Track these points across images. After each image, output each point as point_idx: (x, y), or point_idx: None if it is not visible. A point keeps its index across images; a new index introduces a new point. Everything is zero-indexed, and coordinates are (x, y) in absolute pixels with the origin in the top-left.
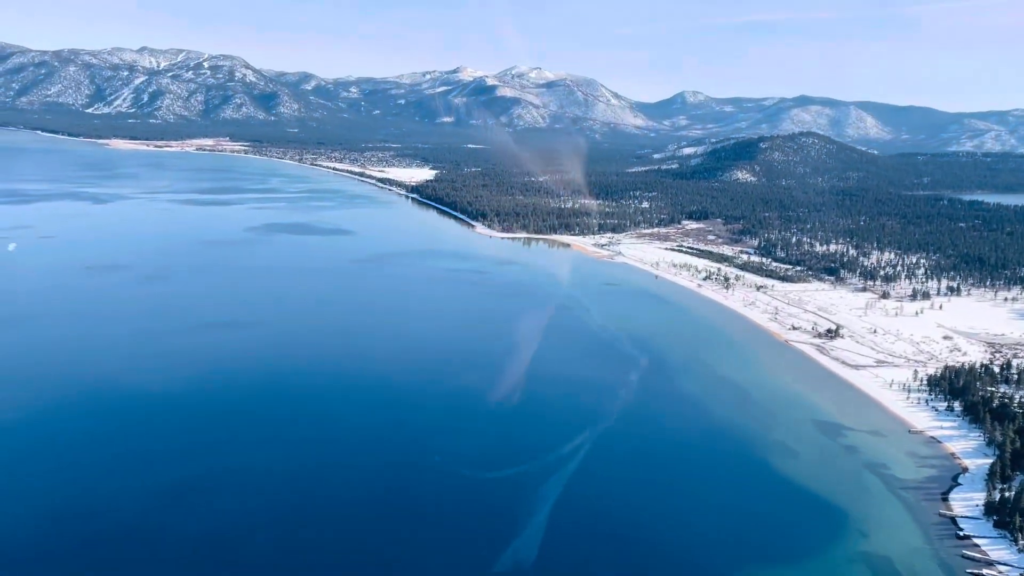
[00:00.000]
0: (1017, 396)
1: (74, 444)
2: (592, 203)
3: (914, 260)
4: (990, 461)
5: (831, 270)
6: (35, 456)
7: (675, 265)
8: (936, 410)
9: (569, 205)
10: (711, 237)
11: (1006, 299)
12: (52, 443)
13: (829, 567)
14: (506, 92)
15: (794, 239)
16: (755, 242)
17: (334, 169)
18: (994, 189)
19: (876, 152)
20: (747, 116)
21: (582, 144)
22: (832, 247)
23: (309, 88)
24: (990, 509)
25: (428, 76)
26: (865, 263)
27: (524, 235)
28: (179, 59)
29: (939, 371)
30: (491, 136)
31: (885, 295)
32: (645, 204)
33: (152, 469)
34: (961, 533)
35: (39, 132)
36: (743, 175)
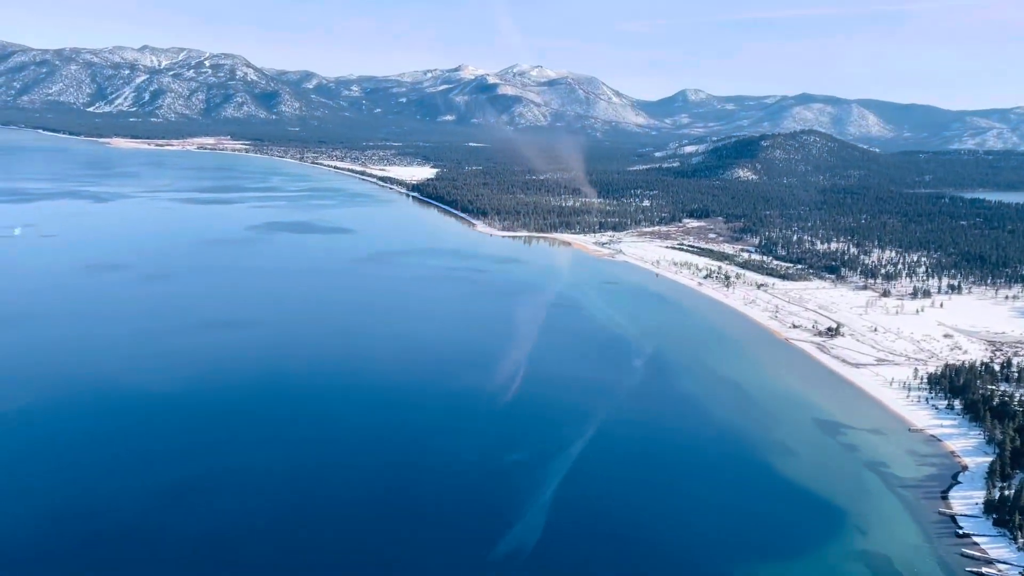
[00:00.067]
0: (1017, 394)
1: (74, 443)
2: (593, 201)
3: (915, 258)
4: (990, 459)
5: (832, 268)
6: (35, 455)
7: (676, 263)
8: (936, 408)
9: (570, 203)
10: (712, 235)
11: (1007, 297)
12: (52, 442)
13: (828, 565)
14: (507, 90)
15: (795, 237)
16: (756, 240)
17: (335, 168)
18: (996, 187)
19: (878, 150)
20: (749, 114)
21: (583, 142)
22: (833, 245)
23: (310, 87)
24: (990, 507)
25: (429, 74)
26: (866, 261)
27: (525, 233)
28: (180, 58)
29: (939, 369)
30: (492, 134)
31: (886, 293)
32: (646, 202)
33: (152, 469)
34: (961, 531)
35: (40, 131)
36: (744, 173)
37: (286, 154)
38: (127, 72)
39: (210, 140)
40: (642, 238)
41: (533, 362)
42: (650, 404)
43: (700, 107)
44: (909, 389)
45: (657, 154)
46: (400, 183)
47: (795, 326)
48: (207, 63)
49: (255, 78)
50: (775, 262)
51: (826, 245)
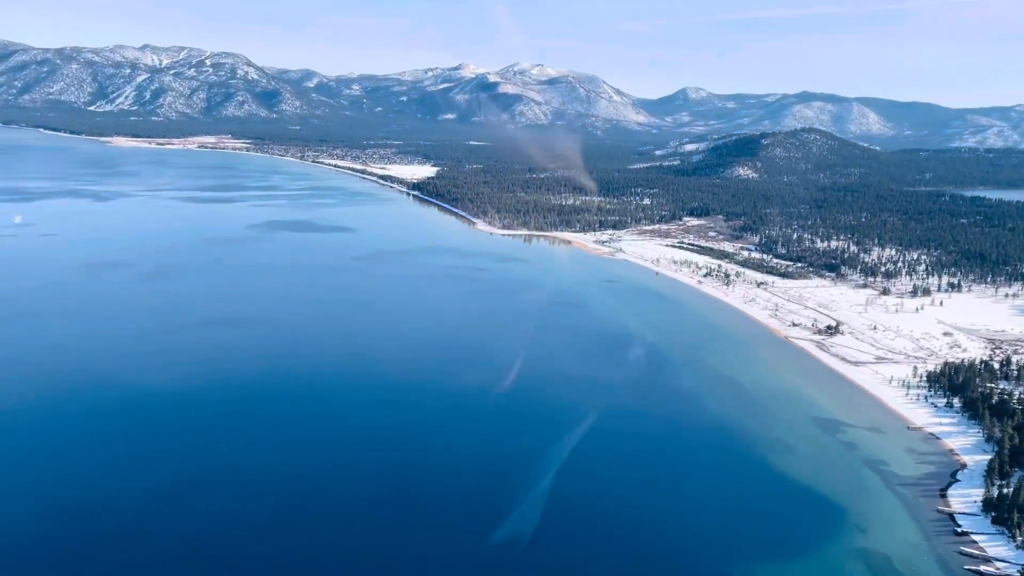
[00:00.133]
0: (1017, 392)
1: (73, 442)
2: (593, 200)
3: (915, 256)
4: (989, 457)
5: (832, 266)
6: (35, 454)
7: (676, 262)
8: (935, 406)
9: (570, 202)
10: (712, 234)
11: (1007, 295)
12: (52, 441)
13: (827, 563)
14: (508, 89)
15: (795, 235)
16: (756, 238)
17: (335, 166)
18: (996, 185)
19: (878, 148)
20: (749, 112)
21: (584, 141)
22: (833, 243)
23: (311, 85)
24: (988, 505)
25: (430, 73)
26: (866, 259)
27: (525, 232)
28: (181, 56)
29: (939, 367)
30: (493, 133)
31: (886, 291)
32: (646, 201)
33: (152, 467)
34: (959, 529)
35: (41, 130)
36: (745, 171)
37: (287, 153)
38: (128, 71)
39: (211, 139)
40: (642, 236)
41: (532, 360)
42: (649, 402)
43: (701, 105)
44: (908, 387)
45: (658, 152)
46: (400, 182)
47: (795, 324)
48: (208, 62)
49: (256, 77)
50: (775, 260)
51: (826, 243)
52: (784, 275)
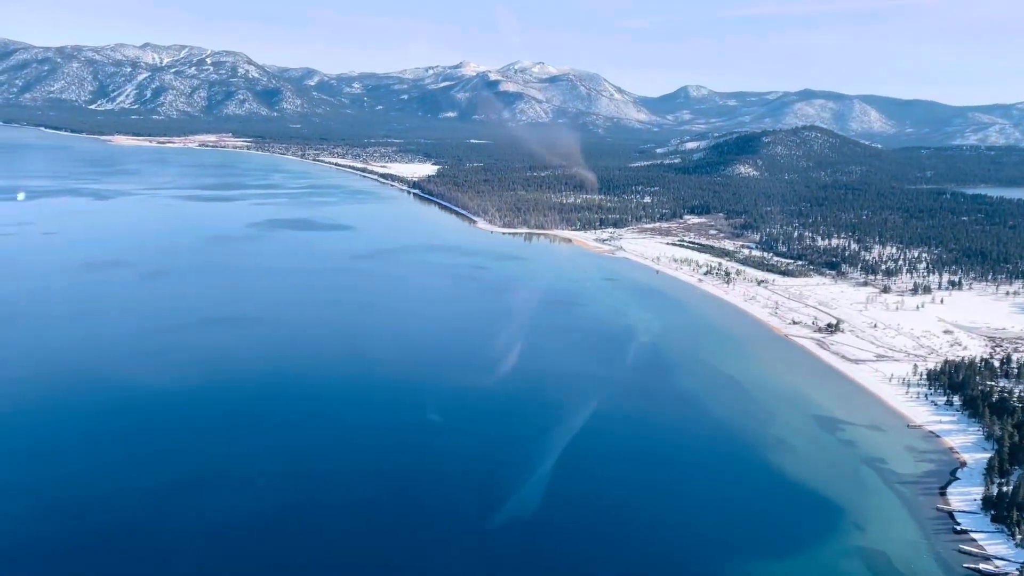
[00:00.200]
0: (1017, 390)
1: (74, 440)
2: (594, 198)
3: (916, 254)
4: (988, 456)
5: (832, 264)
6: (35, 453)
7: (676, 260)
8: (935, 404)
9: (571, 200)
10: (712, 232)
11: (1008, 293)
12: (52, 440)
13: (826, 562)
14: (509, 87)
15: (796, 233)
16: (756, 237)
17: (336, 165)
18: (998, 183)
19: (879, 146)
20: (750, 110)
21: (585, 139)
22: (834, 241)
23: (312, 84)
24: (988, 504)
25: (431, 71)
26: (867, 257)
27: (525, 230)
28: (182, 55)
29: (939, 366)
30: (494, 131)
31: (886, 289)
32: (647, 199)
33: (152, 467)
34: (958, 527)
35: (42, 128)
36: (745, 169)
37: (287, 151)
38: (129, 70)
39: (212, 137)
40: (643, 234)
41: (531, 358)
42: (648, 399)
43: (702, 103)
44: (908, 385)
45: (659, 150)
46: (401, 180)
47: (795, 322)
48: (209, 60)
49: (257, 75)
50: (776, 258)
51: (827, 241)
52: (784, 273)
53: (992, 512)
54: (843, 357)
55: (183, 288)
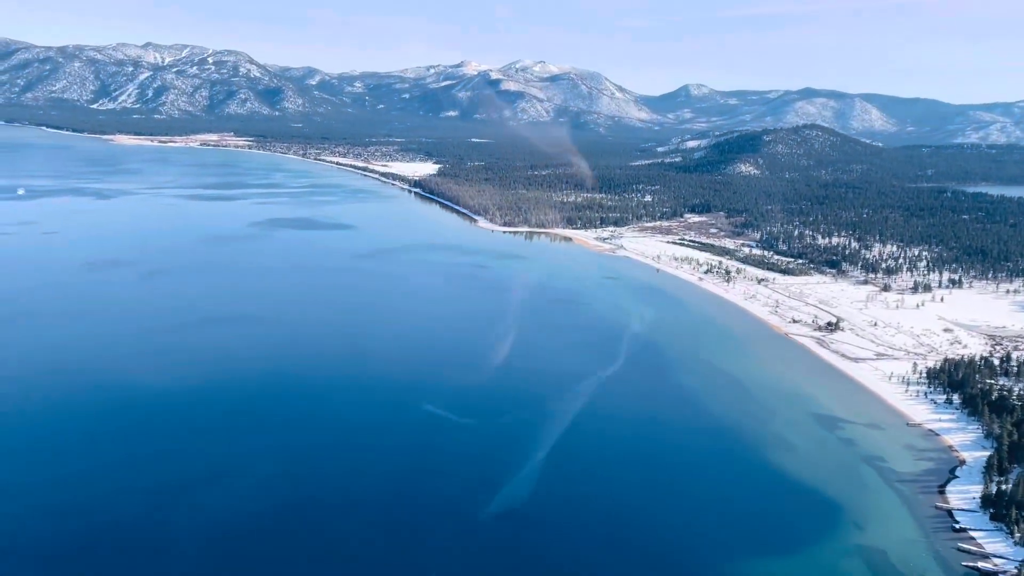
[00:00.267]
0: (1016, 389)
1: (74, 440)
2: (595, 197)
3: (916, 252)
4: (988, 454)
5: (833, 263)
6: (34, 452)
7: (676, 258)
8: (935, 403)
9: (571, 199)
10: (713, 230)
11: (1008, 291)
12: (51, 439)
13: (824, 560)
14: (510, 86)
15: (796, 232)
16: (757, 235)
17: (337, 164)
18: (998, 181)
19: (880, 144)
20: (751, 109)
21: (586, 138)
22: (834, 240)
23: (313, 83)
24: (987, 502)
25: (432, 70)
26: (867, 256)
27: (526, 229)
28: (184, 54)
29: (938, 364)
30: (495, 130)
31: (886, 288)
32: (648, 198)
33: (152, 467)
34: (957, 526)
35: (44, 128)
36: (746, 168)
37: (289, 151)
38: (130, 69)
39: (213, 137)
40: (643, 233)
41: (531, 356)
42: (648, 398)
43: (703, 102)
44: (908, 383)
45: (659, 149)
46: (402, 179)
47: (795, 321)
48: (210, 60)
49: (258, 75)
50: (776, 257)
51: (827, 240)
52: (785, 272)
53: (991, 510)
54: (843, 355)
55: (184, 287)
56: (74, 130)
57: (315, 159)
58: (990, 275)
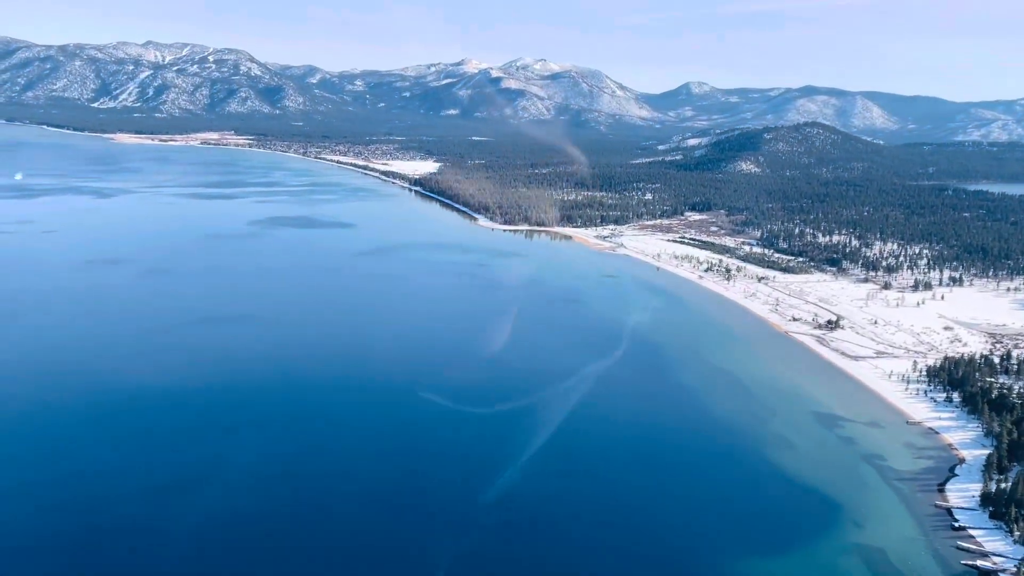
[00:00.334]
0: (1016, 387)
1: (73, 438)
2: (595, 195)
3: (917, 250)
4: (987, 452)
5: (833, 261)
6: (33, 451)
7: (677, 257)
8: (935, 401)
9: (572, 197)
10: (714, 228)
11: (1008, 289)
12: (51, 437)
13: (823, 558)
14: (511, 84)
15: (797, 230)
16: (758, 233)
17: (338, 162)
18: (1000, 179)
19: (882, 142)
20: (752, 107)
21: (587, 136)
22: (835, 238)
23: (314, 81)
24: (986, 500)
25: (433, 68)
26: (867, 254)
27: (526, 227)
28: (184, 53)
29: (938, 362)
30: (496, 128)
31: (887, 286)
32: (648, 196)
33: (151, 464)
34: (956, 524)
35: (45, 127)
36: (747, 166)
37: (289, 149)
38: (131, 68)
39: (214, 135)
40: (643, 231)
41: (530, 354)
42: (647, 396)
43: (704, 100)
44: (908, 382)
45: (660, 147)
46: (402, 177)
47: (795, 319)
48: (211, 58)
49: (259, 73)
50: (776, 255)
51: (828, 238)
52: (785, 270)
53: (991, 508)
54: (843, 354)
55: (183, 286)
56: (75, 129)
57: (315, 157)
58: (991, 273)
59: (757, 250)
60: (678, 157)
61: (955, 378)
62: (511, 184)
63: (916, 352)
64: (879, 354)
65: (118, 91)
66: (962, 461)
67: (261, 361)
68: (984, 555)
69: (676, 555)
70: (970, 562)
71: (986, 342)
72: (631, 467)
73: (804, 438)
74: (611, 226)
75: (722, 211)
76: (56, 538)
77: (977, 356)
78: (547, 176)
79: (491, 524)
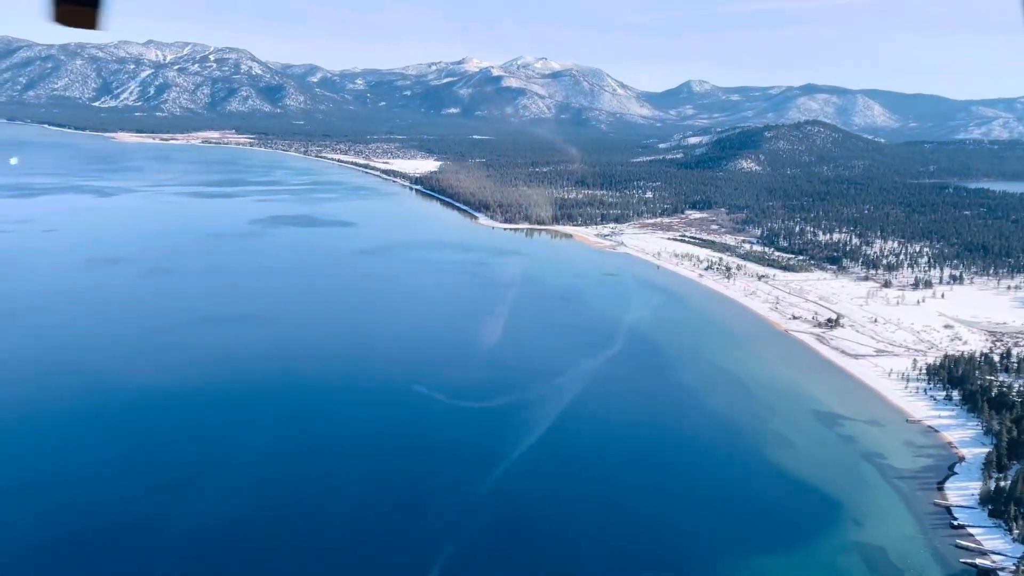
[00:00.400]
0: (1016, 385)
1: (72, 437)
2: (596, 193)
3: (917, 249)
4: (987, 450)
5: (834, 259)
6: (33, 450)
7: (677, 255)
8: (934, 399)
9: (573, 195)
10: (714, 227)
11: (1009, 287)
12: (50, 436)
13: (822, 556)
14: (512, 83)
15: (797, 228)
16: (758, 231)
17: (338, 161)
18: (1001, 177)
19: (883, 140)
20: (754, 105)
21: (587, 134)
22: (835, 236)
23: (315, 80)
24: (986, 498)
25: (434, 67)
26: (868, 252)
27: (526, 226)
28: (185, 52)
29: (938, 360)
30: (497, 127)
31: (887, 284)
32: (649, 194)
33: (151, 463)
34: (956, 522)
35: (46, 126)
36: (748, 164)
37: (290, 148)
38: (132, 67)
39: (215, 134)
40: (644, 230)
41: (529, 353)
42: (646, 394)
43: (705, 98)
44: (908, 380)
45: (661, 145)
46: (403, 176)
47: (795, 317)
48: (212, 57)
49: (260, 72)
50: (777, 253)
51: (828, 236)
52: (785, 268)
53: (990, 507)
54: (843, 352)
55: (184, 285)
56: (76, 128)
57: (316, 156)
58: (991, 271)
59: (757, 248)
60: (679, 155)
61: (955, 376)
62: (512, 182)
63: (916, 350)
64: (879, 352)
65: (119, 90)
66: (961, 459)
67: (261, 360)
68: (983, 553)
69: (675, 553)
70: (969, 560)
71: (986, 340)
72: (629, 465)
73: (803, 436)
74: (611, 224)
75: (723, 209)
76: (56, 538)
77: (977, 354)
78: (548, 174)
79: (489, 522)
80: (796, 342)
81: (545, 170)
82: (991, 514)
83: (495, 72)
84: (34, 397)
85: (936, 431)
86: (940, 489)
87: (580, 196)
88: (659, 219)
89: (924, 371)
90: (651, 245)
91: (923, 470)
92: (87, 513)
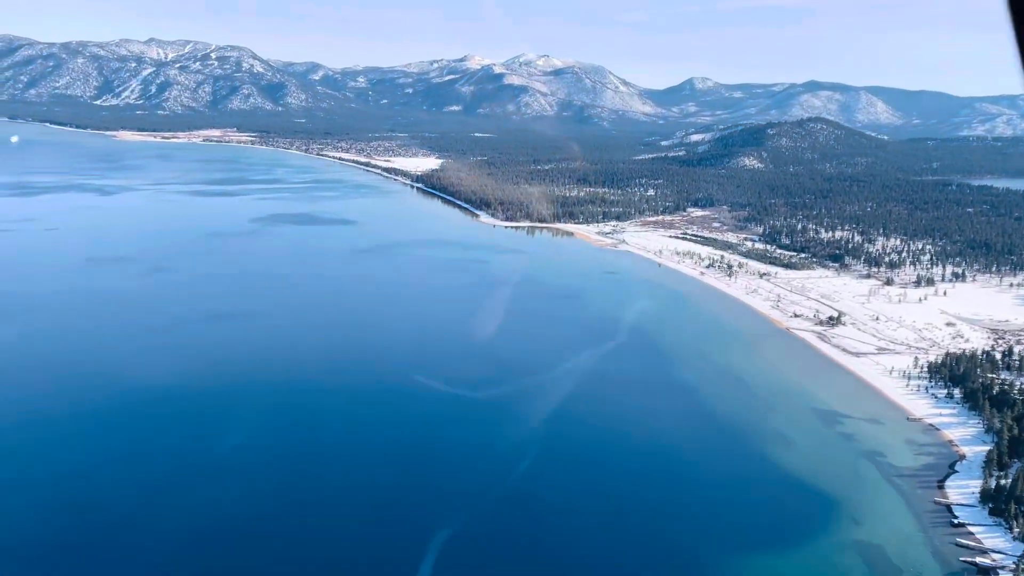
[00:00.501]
0: (1017, 383)
1: (73, 436)
2: (597, 191)
3: (920, 246)
4: (988, 448)
5: (836, 257)
6: (33, 448)
7: (678, 253)
8: (936, 397)
9: (574, 193)
10: (716, 225)
11: (1011, 285)
12: (50, 435)
13: (822, 554)
14: (513, 80)
15: (799, 226)
16: (760, 229)
17: (340, 159)
18: (1004, 174)
19: (886, 137)
20: (756, 102)
21: (590, 132)
22: (837, 234)
23: (316, 78)
24: (986, 497)
25: (436, 65)
26: (870, 250)
27: (528, 224)
28: (186, 50)
29: (940, 358)
30: (498, 124)
31: (889, 282)
32: (651, 192)
33: (151, 462)
34: (956, 521)
35: (48, 124)
36: (750, 162)
37: (291, 146)
38: (134, 65)
39: (216, 132)
40: (645, 228)
41: (529, 352)
42: (647, 392)
43: (707, 95)
44: (909, 378)
45: (663, 143)
46: (404, 174)
47: (796, 315)
48: (213, 55)
49: (261, 70)
50: (779, 251)
51: (830, 234)
52: (787, 266)
53: (990, 505)
54: (844, 350)
55: (185, 284)
56: (77, 126)
57: (317, 154)
58: (994, 269)
59: (759, 246)
60: (681, 153)
61: (956, 374)
62: (513, 180)
63: (917, 348)
64: (880, 350)
65: (121, 88)
66: (962, 458)
67: (264, 357)
68: (983, 552)
69: (675, 551)
70: (969, 559)
71: (988, 338)
72: (629, 462)
73: (804, 434)
74: (613, 222)
75: (725, 207)
76: (55, 536)
77: (979, 352)
78: (549, 172)
79: (487, 520)
80: (797, 340)
81: (547, 168)
82: (992, 512)
83: (497, 69)
84: (34, 395)
85: (937, 429)
86: (940, 487)
87: (582, 194)
88: (661, 217)
89: (925, 369)
90: (653, 243)
91: (924, 468)
92: (87, 512)
